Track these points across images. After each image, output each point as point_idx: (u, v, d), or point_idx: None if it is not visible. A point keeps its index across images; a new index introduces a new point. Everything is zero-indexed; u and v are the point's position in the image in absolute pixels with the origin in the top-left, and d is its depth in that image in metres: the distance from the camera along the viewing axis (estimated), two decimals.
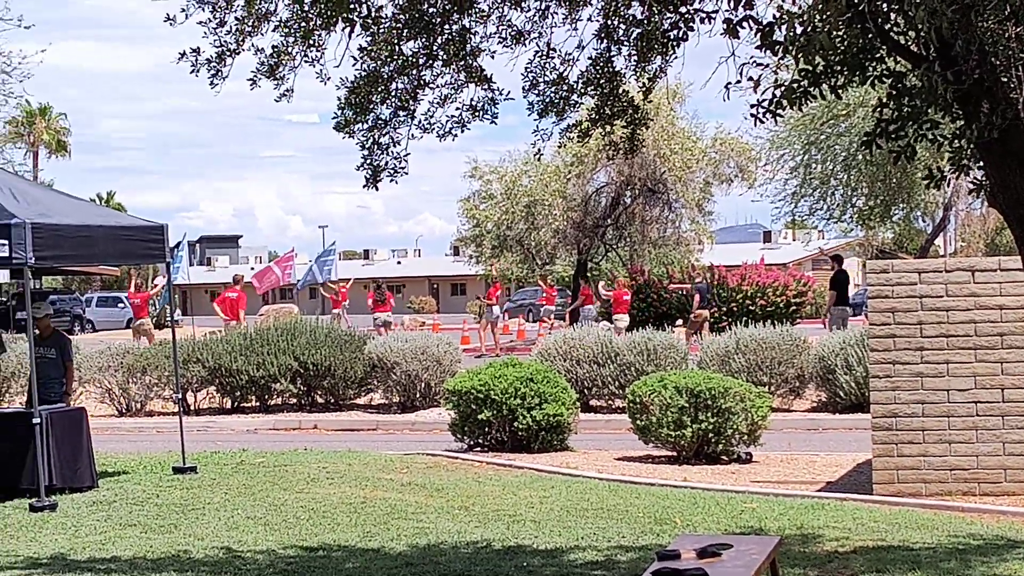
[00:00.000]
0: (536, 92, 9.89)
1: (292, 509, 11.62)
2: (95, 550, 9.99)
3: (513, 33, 9.65)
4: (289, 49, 9.29)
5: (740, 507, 11.47)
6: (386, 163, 9.82)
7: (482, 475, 13.80)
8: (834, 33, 7.07)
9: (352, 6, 9.08)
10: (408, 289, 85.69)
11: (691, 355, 20.53)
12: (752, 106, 7.60)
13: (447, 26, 9.43)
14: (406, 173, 9.91)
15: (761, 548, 7.22)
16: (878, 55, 7.71)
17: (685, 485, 12.88)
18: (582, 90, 9.81)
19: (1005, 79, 7.40)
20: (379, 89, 9.55)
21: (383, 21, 9.34)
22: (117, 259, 15.82)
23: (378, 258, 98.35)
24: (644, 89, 9.86)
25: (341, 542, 10.13)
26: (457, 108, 9.86)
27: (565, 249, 39.75)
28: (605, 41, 9.52)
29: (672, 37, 8.90)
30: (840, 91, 7.81)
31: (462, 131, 9.87)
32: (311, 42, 9.25)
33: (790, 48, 7.08)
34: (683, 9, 8.67)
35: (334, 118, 9.73)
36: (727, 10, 7.59)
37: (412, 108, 9.75)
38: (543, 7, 9.57)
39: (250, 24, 9.17)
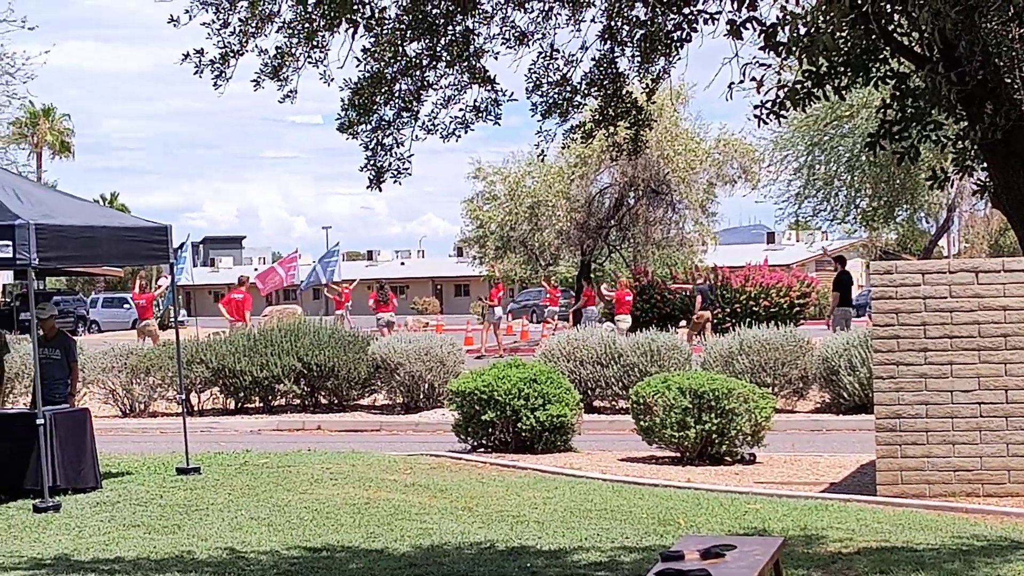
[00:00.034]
0: (540, 93, 9.90)
1: (296, 510, 11.62)
2: (99, 551, 10.00)
3: (516, 34, 9.66)
4: (293, 50, 9.30)
5: (744, 508, 11.46)
6: (390, 164, 9.84)
7: (486, 476, 13.80)
8: (837, 34, 7.07)
9: (356, 7, 9.09)
10: (412, 290, 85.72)
11: (694, 356, 20.52)
12: (755, 107, 7.62)
13: (451, 27, 9.44)
14: (410, 174, 9.93)
15: (765, 549, 7.21)
16: (882, 56, 7.71)
17: (689, 486, 12.87)
18: (586, 91, 9.82)
19: (1009, 80, 7.40)
20: (383, 90, 9.57)
21: (386, 22, 9.35)
22: (121, 260, 15.82)
23: (382, 259, 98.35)
24: (648, 90, 9.87)
25: (345, 543, 10.14)
26: (460, 109, 9.88)
27: (569, 250, 39.76)
28: (609, 42, 9.53)
29: (676, 38, 8.91)
30: (844, 92, 7.82)
31: (466, 132, 9.88)
32: (315, 43, 9.26)
33: (793, 49, 7.08)
34: (687, 10, 8.68)
35: (338, 119, 9.75)
36: (731, 11, 7.59)
37: (416, 109, 9.76)
38: (547, 8, 9.58)
39: (254, 25, 9.18)
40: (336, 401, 21.70)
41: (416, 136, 9.84)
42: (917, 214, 39.45)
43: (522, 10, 9.58)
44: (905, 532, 10.21)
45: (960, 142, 7.53)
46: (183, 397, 16.11)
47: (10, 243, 12.00)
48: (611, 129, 10.01)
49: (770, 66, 7.61)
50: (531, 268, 41.89)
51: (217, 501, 12.18)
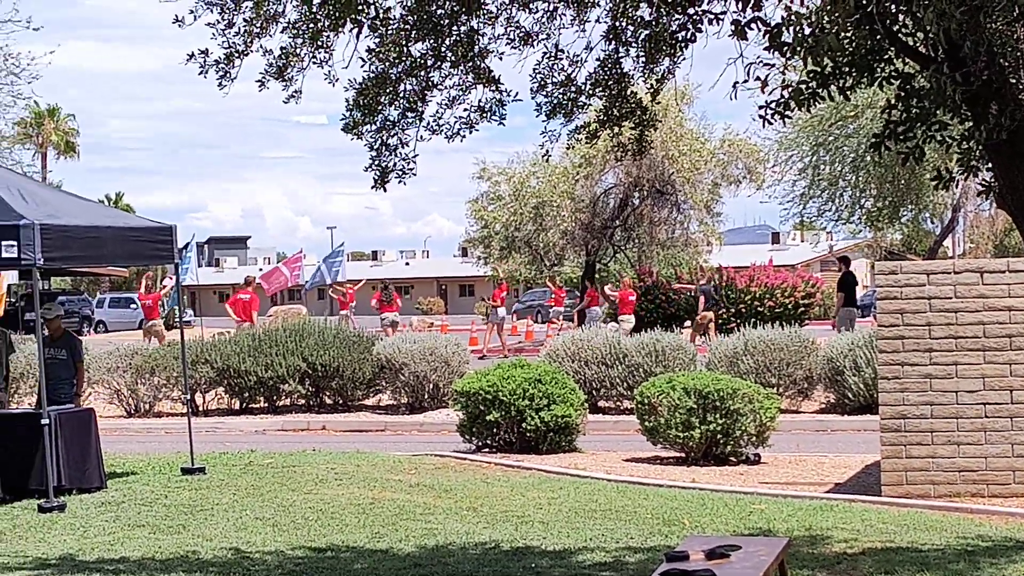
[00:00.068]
0: (544, 93, 9.90)
1: (300, 510, 11.63)
2: (104, 551, 10.01)
3: (521, 35, 9.67)
4: (297, 50, 9.31)
5: (748, 508, 11.46)
6: (394, 164, 9.84)
7: (490, 476, 13.81)
8: (842, 34, 7.07)
9: (360, 7, 9.10)
10: (416, 290, 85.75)
11: (699, 356, 20.51)
12: (760, 107, 7.62)
13: (455, 27, 9.44)
14: (414, 174, 9.93)
15: (770, 549, 7.21)
16: (886, 56, 7.71)
17: (693, 486, 12.87)
18: (590, 91, 9.83)
19: (1014, 80, 7.40)
20: (387, 90, 9.58)
21: (391, 22, 9.36)
22: (126, 260, 15.84)
23: (386, 259, 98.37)
24: (652, 90, 9.87)
25: (349, 543, 10.14)
26: (465, 109, 9.88)
27: (573, 250, 39.75)
28: (613, 43, 9.54)
29: (680, 38, 8.91)
30: (848, 92, 7.82)
31: (470, 132, 9.89)
32: (319, 43, 9.27)
33: (798, 49, 7.09)
34: (691, 11, 8.68)
35: (342, 119, 9.76)
36: (735, 11, 7.60)
37: (420, 109, 9.77)
38: (551, 9, 9.59)
39: (258, 25, 9.19)
40: (341, 401, 21.71)
41: (421, 136, 9.85)
42: (922, 214, 39.42)
43: (527, 10, 9.58)
44: (910, 532, 10.20)
45: (965, 142, 7.53)
46: (188, 397, 16.14)
47: (15, 243, 12.01)
48: (616, 129, 10.01)
49: (775, 66, 7.60)
50: (536, 268, 41.88)
51: (222, 501, 12.19)
